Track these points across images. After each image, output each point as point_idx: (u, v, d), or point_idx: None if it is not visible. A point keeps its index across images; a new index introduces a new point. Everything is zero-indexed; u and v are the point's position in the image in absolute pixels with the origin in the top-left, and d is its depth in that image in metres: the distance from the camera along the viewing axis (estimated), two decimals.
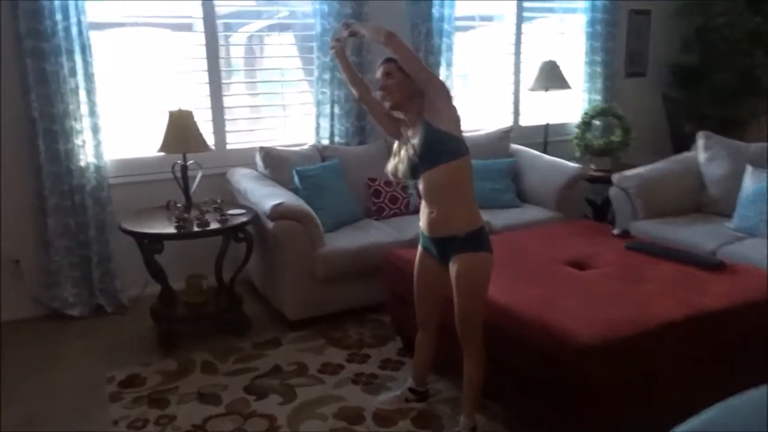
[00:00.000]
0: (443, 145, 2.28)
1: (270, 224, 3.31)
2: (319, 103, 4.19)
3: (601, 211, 4.85)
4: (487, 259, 2.34)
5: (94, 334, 3.49)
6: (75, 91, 3.51)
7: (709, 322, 2.42)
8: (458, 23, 4.55)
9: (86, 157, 3.60)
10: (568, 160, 4.49)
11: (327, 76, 4.12)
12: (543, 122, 4.91)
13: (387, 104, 2.40)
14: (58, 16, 3.39)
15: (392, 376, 3.00)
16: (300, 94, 4.32)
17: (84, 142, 3.58)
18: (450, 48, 4.47)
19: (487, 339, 2.39)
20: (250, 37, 4.37)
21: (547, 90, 4.80)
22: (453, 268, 2.35)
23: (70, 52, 3.46)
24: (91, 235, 3.65)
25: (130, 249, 3.41)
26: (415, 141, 2.35)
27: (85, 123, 3.57)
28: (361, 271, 3.46)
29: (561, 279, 2.79)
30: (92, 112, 3.59)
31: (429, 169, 2.32)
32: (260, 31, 4.35)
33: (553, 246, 3.23)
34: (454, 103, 2.34)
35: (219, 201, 3.37)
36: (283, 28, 4.30)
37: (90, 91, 3.56)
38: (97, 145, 3.63)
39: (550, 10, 5.16)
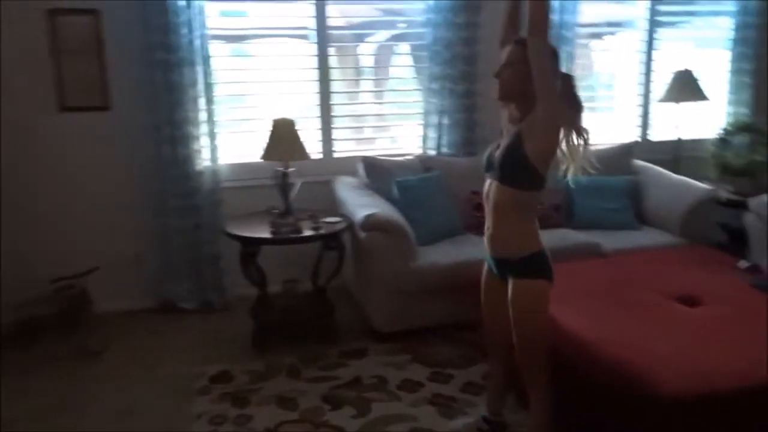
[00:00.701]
0: (519, 169, 2.11)
1: (362, 234, 3.32)
2: (427, 113, 4.14)
3: (739, 240, 4.31)
4: (543, 287, 2.16)
5: (199, 328, 3.71)
6: (195, 99, 3.74)
7: None
8: (582, 30, 4.29)
9: (203, 161, 3.84)
10: (701, 180, 4.06)
11: (436, 86, 4.06)
12: (675, 137, 4.48)
13: (496, 93, 2.20)
14: (184, 30, 3.64)
15: (472, 401, 2.87)
16: (409, 103, 4.30)
17: (202, 147, 3.82)
18: (571, 57, 4.22)
19: (561, 372, 2.20)
20: (364, 48, 4.41)
21: (678, 102, 4.37)
22: (509, 292, 2.21)
23: (193, 63, 3.69)
24: (204, 234, 3.87)
25: (238, 250, 3.56)
26: (502, 142, 2.20)
27: (203, 129, 3.81)
28: (455, 287, 3.34)
29: (663, 314, 2.51)
30: (210, 119, 3.82)
31: (496, 179, 2.18)
32: (374, 41, 4.38)
33: (664, 275, 2.93)
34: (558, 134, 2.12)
35: (314, 209, 3.43)
36: (396, 38, 4.30)
37: (209, 100, 3.79)
38: (214, 150, 3.86)
39: (690, 14, 4.71)
